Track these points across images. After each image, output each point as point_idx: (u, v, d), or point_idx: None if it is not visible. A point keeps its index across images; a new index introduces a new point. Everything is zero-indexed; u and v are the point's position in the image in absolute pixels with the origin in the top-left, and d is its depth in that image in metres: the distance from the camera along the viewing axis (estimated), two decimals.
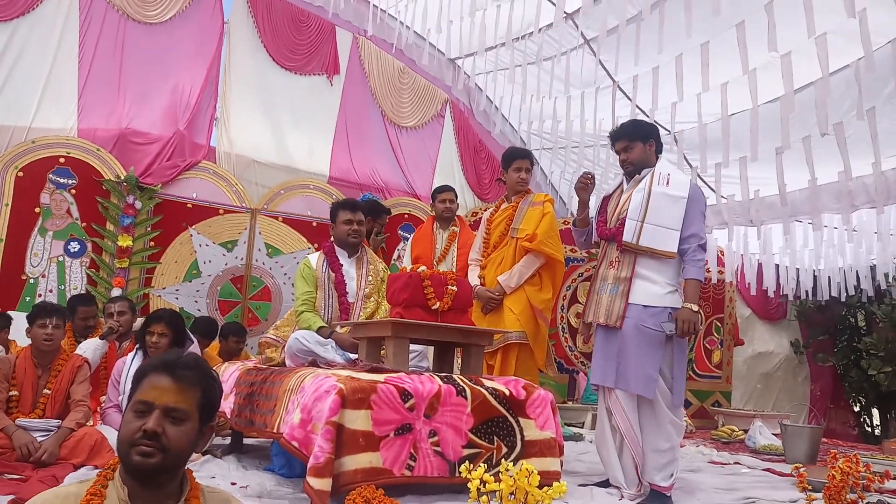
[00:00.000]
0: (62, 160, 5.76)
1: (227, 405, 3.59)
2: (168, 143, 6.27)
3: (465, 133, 8.25)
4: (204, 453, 3.44)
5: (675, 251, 3.36)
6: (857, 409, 9.67)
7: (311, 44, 7.34)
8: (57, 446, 3.16)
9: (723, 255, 8.06)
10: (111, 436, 3.24)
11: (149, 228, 6.00)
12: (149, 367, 1.70)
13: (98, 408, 4.02)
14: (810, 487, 3.14)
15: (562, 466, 3.22)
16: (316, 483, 2.59)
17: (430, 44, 7.24)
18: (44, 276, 5.63)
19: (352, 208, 4.06)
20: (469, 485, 2.01)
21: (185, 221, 6.21)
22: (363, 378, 2.88)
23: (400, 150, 7.80)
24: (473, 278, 4.14)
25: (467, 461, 2.91)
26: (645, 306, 3.37)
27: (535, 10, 5.11)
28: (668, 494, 3.26)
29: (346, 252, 4.04)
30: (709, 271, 8.16)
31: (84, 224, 5.80)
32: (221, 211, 6.41)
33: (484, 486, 2.05)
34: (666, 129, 5.92)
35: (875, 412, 9.48)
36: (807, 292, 8.48)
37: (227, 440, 3.94)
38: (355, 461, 2.71)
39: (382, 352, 3.46)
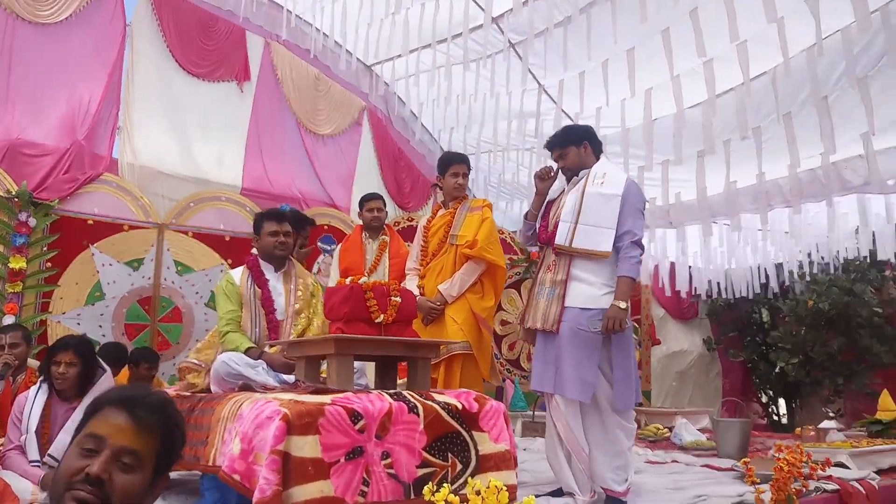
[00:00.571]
0: None
1: None
2: (65, 154, 5.76)
3: (383, 141, 8.06)
4: None
5: (610, 250, 3.32)
6: (765, 400, 10.13)
7: (220, 49, 6.96)
8: None
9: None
10: (15, 483, 2.88)
11: (45, 248, 5.48)
12: (106, 400, 1.47)
13: None
14: (759, 481, 3.15)
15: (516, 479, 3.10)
16: None
17: (346, 50, 7.04)
18: None
19: (278, 219, 3.82)
20: None
21: (85, 239, 5.72)
22: (308, 401, 2.65)
23: (317, 159, 7.51)
24: (412, 288, 3.97)
25: (422, 481, 2.79)
26: (582, 308, 3.33)
27: (462, 12, 5.02)
28: (624, 500, 3.21)
29: (273, 266, 3.79)
30: None
31: None
32: (126, 227, 5.95)
33: None
34: None
35: (782, 402, 9.95)
36: (717, 291, 8.82)
37: None
38: (305, 491, 2.48)
39: (322, 371, 3.24)
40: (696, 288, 8.82)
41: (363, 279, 3.19)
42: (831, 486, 3.44)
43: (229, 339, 3.52)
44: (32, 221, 5.39)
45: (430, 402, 2.91)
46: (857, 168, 5.30)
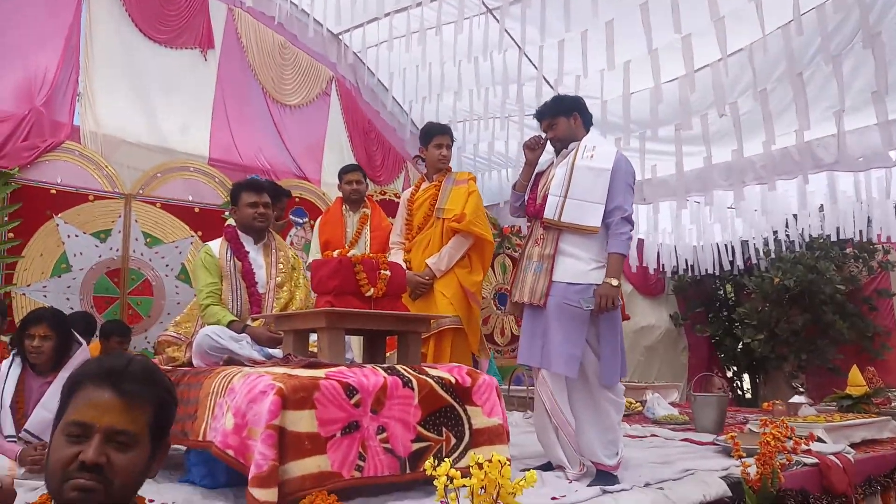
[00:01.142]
0: None
1: None
2: (23, 121, 5.51)
3: (353, 112, 7.89)
4: None
5: (599, 226, 3.29)
6: (730, 375, 10.36)
7: (182, 15, 6.70)
8: None
9: None
10: None
11: (6, 218, 5.25)
12: (85, 376, 1.34)
13: None
14: (745, 455, 3.20)
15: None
16: (260, 494, 2.29)
17: (314, 19, 6.82)
18: None
19: (256, 189, 3.69)
20: (435, 482, 1.81)
21: (49, 209, 5.50)
22: (302, 375, 2.58)
23: (284, 130, 7.32)
24: (399, 262, 3.90)
25: (417, 455, 2.76)
26: (569, 283, 3.29)
27: None
28: (615, 473, 3.22)
29: (252, 238, 3.67)
30: None
31: None
32: (91, 197, 5.74)
33: (451, 483, 1.86)
34: None
35: (746, 377, 10.19)
36: (685, 268, 8.93)
37: None
38: (302, 466, 2.43)
39: (311, 345, 3.17)
40: (663, 265, 8.92)
41: (352, 252, 3.10)
42: (811, 460, 3.50)
43: (210, 313, 3.42)
44: None
45: (423, 377, 2.87)
46: (828, 146, 5.37)
